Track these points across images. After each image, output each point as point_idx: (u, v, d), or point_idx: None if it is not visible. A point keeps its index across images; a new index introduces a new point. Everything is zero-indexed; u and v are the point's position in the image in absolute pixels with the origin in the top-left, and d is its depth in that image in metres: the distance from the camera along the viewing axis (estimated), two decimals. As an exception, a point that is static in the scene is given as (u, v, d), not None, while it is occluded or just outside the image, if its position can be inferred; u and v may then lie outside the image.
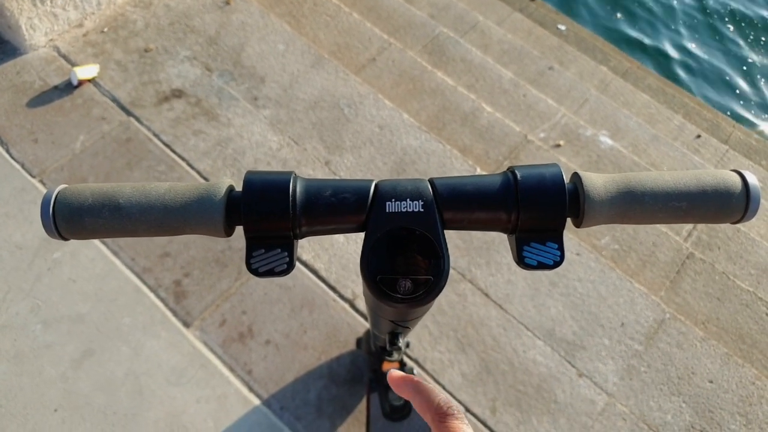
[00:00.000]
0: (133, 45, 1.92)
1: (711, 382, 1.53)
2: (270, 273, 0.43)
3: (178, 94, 1.83)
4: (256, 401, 1.36)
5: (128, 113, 1.76)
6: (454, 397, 1.42)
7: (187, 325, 1.44)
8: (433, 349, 1.48)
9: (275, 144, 1.76)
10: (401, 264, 0.42)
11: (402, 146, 1.83)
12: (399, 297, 0.41)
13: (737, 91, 3.90)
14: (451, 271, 1.58)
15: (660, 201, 0.43)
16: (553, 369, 1.49)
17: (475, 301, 1.55)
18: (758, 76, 4.00)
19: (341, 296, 1.52)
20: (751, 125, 3.66)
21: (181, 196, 0.43)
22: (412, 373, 1.29)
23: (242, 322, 1.46)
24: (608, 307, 1.61)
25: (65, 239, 0.43)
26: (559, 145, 2.19)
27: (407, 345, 1.36)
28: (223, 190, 0.44)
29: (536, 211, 0.43)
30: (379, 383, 1.27)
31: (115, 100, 1.78)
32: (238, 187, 0.45)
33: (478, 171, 1.82)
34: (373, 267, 0.42)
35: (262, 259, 0.43)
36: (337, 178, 0.46)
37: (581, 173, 0.44)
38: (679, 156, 2.46)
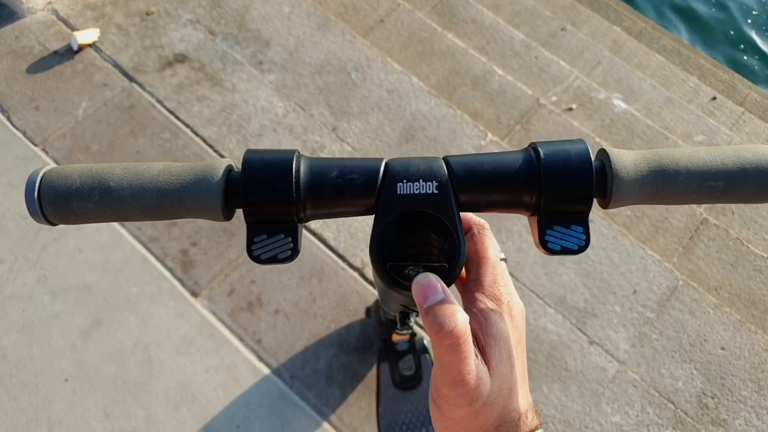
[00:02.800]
0: (134, 8, 1.86)
1: (723, 349, 1.52)
2: (273, 260, 0.40)
3: (181, 58, 1.78)
4: (266, 370, 1.36)
5: (131, 79, 1.72)
6: (464, 365, 1.41)
7: (195, 294, 1.43)
8: (443, 318, 1.46)
9: (281, 110, 1.72)
10: (413, 250, 0.38)
11: (411, 111, 1.78)
12: (411, 285, 0.39)
13: (754, 51, 3.80)
14: (462, 239, 1.56)
15: (695, 180, 0.39)
16: (564, 337, 1.48)
17: (485, 269, 1.53)
18: (776, 36, 3.88)
19: (350, 265, 1.50)
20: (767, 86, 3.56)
21: (175, 178, 0.39)
22: (423, 342, 1.28)
23: (251, 292, 1.44)
24: (620, 274, 1.59)
25: (53, 224, 0.40)
26: (571, 109, 2.13)
27: (417, 313, 1.35)
28: (221, 170, 0.40)
29: (561, 192, 0.39)
30: (389, 353, 1.26)
31: (116, 65, 1.74)
32: (238, 167, 0.41)
33: (489, 137, 1.78)
34: (383, 253, 0.38)
35: (265, 245, 0.40)
36: (344, 156, 0.43)
37: (609, 150, 0.40)
38: (694, 119, 2.40)
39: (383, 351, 1.27)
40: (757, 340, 1.54)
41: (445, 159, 0.41)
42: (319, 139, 1.68)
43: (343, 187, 0.40)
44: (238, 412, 1.33)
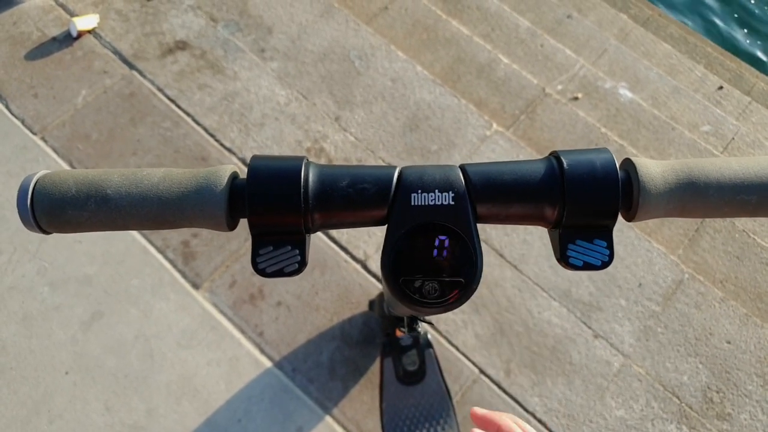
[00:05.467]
0: (134, -7, 1.83)
1: (729, 342, 1.51)
2: (279, 273, 0.38)
3: (182, 45, 1.75)
4: (268, 363, 1.35)
5: (131, 66, 1.69)
6: (467, 358, 1.40)
7: (196, 286, 1.41)
8: (447, 311, 1.45)
9: (283, 98, 1.69)
10: (428, 264, 0.37)
11: (415, 100, 1.75)
12: (424, 301, 0.37)
13: (761, 40, 3.75)
14: (466, 231, 1.54)
15: (726, 194, 0.37)
16: (568, 330, 1.46)
17: (489, 262, 1.52)
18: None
19: (353, 257, 1.48)
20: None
21: (177, 185, 0.37)
22: (427, 337, 1.27)
23: (253, 284, 1.43)
24: (626, 267, 1.57)
25: (46, 233, 0.38)
26: (577, 98, 2.10)
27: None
28: (225, 178, 0.38)
29: (585, 205, 0.37)
30: (392, 347, 1.25)
31: (116, 52, 1.71)
32: (243, 173, 0.39)
33: (494, 126, 1.75)
34: (396, 267, 0.37)
35: (270, 258, 0.38)
36: (352, 161, 0.40)
37: (635, 160, 0.38)
38: (701, 109, 2.37)
39: (386, 345, 1.26)
40: (764, 333, 1.53)
41: (462, 167, 0.39)
42: (322, 129, 1.66)
43: (354, 197, 0.38)
44: (240, 405, 1.32)
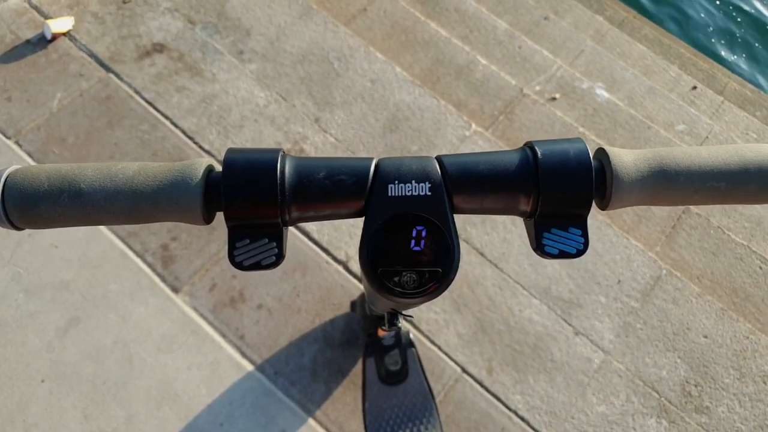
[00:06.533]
0: (109, -5, 1.81)
1: (706, 337, 1.53)
2: (256, 266, 0.38)
3: (159, 48, 1.73)
4: (250, 367, 1.34)
5: (107, 69, 1.67)
6: (449, 358, 1.40)
7: (176, 290, 1.40)
8: (429, 310, 1.45)
9: (262, 100, 1.69)
10: (405, 254, 0.37)
11: (395, 101, 1.76)
12: (403, 291, 0.37)
13: (732, 40, 3.83)
14: (447, 230, 1.55)
15: (697, 181, 0.38)
16: (549, 328, 1.48)
17: (470, 261, 1.52)
18: (753, 24, 3.91)
19: (334, 258, 1.48)
20: (746, 75, 3.60)
21: (152, 179, 0.37)
22: (409, 337, 1.27)
23: (233, 287, 1.42)
24: (604, 264, 1.59)
25: (19, 229, 0.37)
26: (554, 99, 2.13)
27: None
28: (200, 171, 0.38)
29: (559, 194, 0.38)
30: (375, 347, 1.25)
31: (92, 55, 1.68)
32: (219, 167, 0.39)
33: (474, 127, 1.77)
34: (373, 258, 0.37)
35: (247, 251, 0.38)
36: (329, 153, 0.40)
37: (608, 149, 0.39)
38: (675, 108, 2.41)
39: (369, 346, 1.26)
40: (739, 327, 1.55)
41: (439, 158, 0.39)
42: (302, 130, 1.66)
43: (331, 188, 0.38)
44: (221, 410, 1.31)
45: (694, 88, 2.76)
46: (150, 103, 1.63)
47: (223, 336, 1.37)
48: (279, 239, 0.38)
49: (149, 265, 1.42)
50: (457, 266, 0.38)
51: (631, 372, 1.45)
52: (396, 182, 0.38)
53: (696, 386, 1.46)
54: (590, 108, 2.14)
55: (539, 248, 0.39)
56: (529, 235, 0.41)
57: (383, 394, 1.23)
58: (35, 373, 1.28)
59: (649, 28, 3.30)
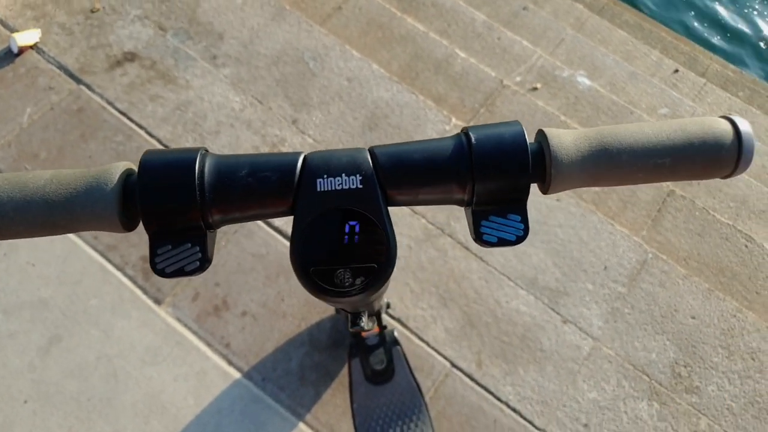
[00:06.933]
0: (77, 5, 1.78)
1: (693, 318, 1.53)
2: (180, 272, 0.36)
3: (130, 57, 1.71)
4: (237, 374, 1.33)
5: (78, 81, 1.65)
6: (438, 353, 1.39)
7: (158, 302, 1.38)
8: (415, 307, 1.44)
9: (238, 104, 1.67)
10: (339, 252, 0.35)
11: (373, 99, 1.74)
12: (338, 291, 0.35)
13: (713, 22, 3.83)
14: (430, 226, 1.54)
15: (639, 159, 0.37)
16: (537, 317, 1.47)
17: (455, 255, 1.51)
18: (733, 4, 3.92)
19: (317, 260, 1.47)
20: (728, 56, 3.60)
21: (65, 187, 0.35)
22: (393, 335, 1.26)
23: (216, 295, 1.40)
24: (590, 251, 1.58)
25: None
26: (536, 89, 2.12)
27: (388, 306, 1.33)
28: (116, 176, 0.36)
29: (495, 180, 0.36)
30: (359, 348, 1.24)
31: (62, 67, 1.66)
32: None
33: (454, 121, 1.75)
34: (304, 257, 0.35)
35: (170, 257, 0.36)
36: (258, 153, 0.38)
37: (547, 130, 0.37)
38: (658, 92, 2.40)
39: (353, 346, 1.24)
40: (726, 306, 1.55)
41: (371, 150, 0.37)
42: (279, 133, 1.64)
43: (255, 187, 0.36)
44: (210, 419, 1.29)
45: (676, 71, 2.75)
46: (123, 114, 1.61)
47: (209, 345, 1.36)
48: (203, 243, 0.36)
49: (130, 278, 1.40)
50: (394, 260, 0.36)
51: (621, 357, 1.45)
52: (325, 176, 0.36)
53: (685, 367, 1.46)
54: (572, 96, 2.14)
55: (478, 237, 0.37)
56: (468, 224, 0.39)
57: (371, 393, 1.22)
58: (18, 395, 1.26)
59: (630, 13, 3.29)
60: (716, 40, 3.74)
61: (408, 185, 0.37)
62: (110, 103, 1.62)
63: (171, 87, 1.67)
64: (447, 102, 1.88)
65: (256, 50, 1.78)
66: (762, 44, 3.80)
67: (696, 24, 3.80)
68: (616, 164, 0.37)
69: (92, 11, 1.77)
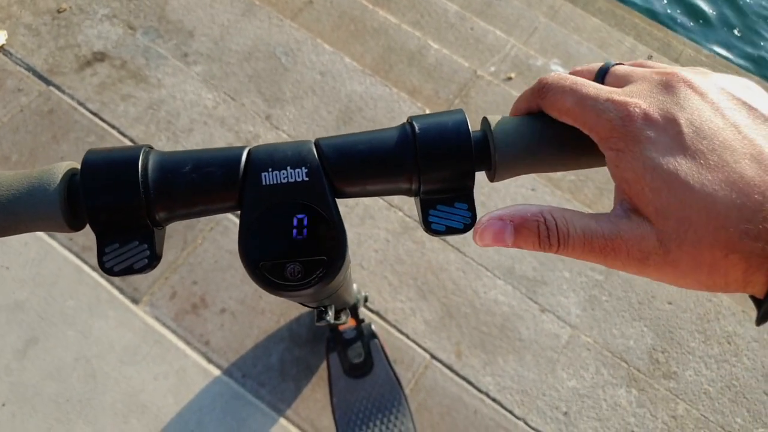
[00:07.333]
0: (44, 6, 1.75)
1: (670, 303, 1.55)
2: (129, 270, 0.35)
3: (100, 57, 1.69)
4: (217, 372, 1.33)
5: (47, 82, 1.63)
6: (418, 345, 1.40)
7: (135, 301, 1.38)
8: (394, 300, 1.45)
9: (210, 102, 1.66)
10: (288, 246, 0.35)
11: (346, 93, 1.74)
12: (288, 285, 0.35)
13: (686, 7, 3.86)
14: (407, 219, 1.54)
15: None
16: (515, 307, 1.48)
17: (433, 247, 1.52)
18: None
19: (295, 256, 1.47)
20: (701, 41, 3.64)
21: (6, 188, 0.34)
22: (371, 328, 1.26)
23: (194, 293, 1.40)
24: (567, 239, 1.59)
25: None
26: (510, 78, 2.12)
27: (366, 299, 1.33)
28: (59, 176, 0.35)
29: (439, 169, 0.36)
30: (336, 342, 1.24)
31: (30, 68, 1.64)
32: None
33: (428, 113, 1.76)
34: (252, 252, 0.35)
35: (117, 256, 0.35)
36: (203, 148, 0.38)
37: (491, 117, 0.37)
38: (632, 79, 2.42)
39: (330, 341, 1.25)
40: (701, 291, 1.57)
41: (317, 142, 0.37)
42: (253, 129, 1.63)
43: (199, 182, 0.36)
44: (191, 417, 1.29)
45: (650, 57, 2.78)
46: (95, 114, 1.59)
47: (188, 343, 1.35)
48: (150, 241, 0.36)
49: (106, 278, 1.39)
50: (344, 252, 0.36)
51: (599, 344, 1.47)
52: (270, 170, 0.36)
53: (663, 353, 1.48)
54: (546, 85, 2.15)
55: (426, 226, 0.37)
56: (417, 214, 0.39)
57: (350, 387, 1.22)
58: (-7, 399, 1.25)
59: (603, 0, 3.31)
60: (689, 25, 3.78)
61: (354, 176, 0.37)
62: (81, 104, 1.60)
63: (142, 86, 1.66)
64: (421, 94, 1.89)
65: (227, 47, 1.77)
66: (734, 28, 3.85)
67: (669, 10, 3.83)
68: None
69: (59, 11, 1.74)
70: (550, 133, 0.36)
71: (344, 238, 0.36)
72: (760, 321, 0.30)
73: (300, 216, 0.35)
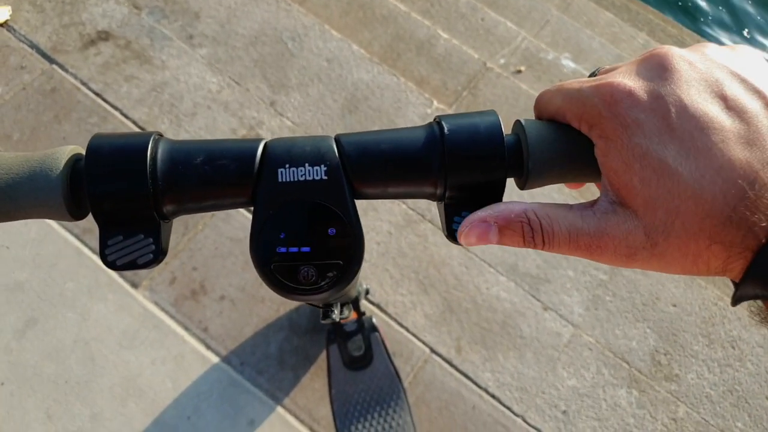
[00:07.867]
0: (50, -18, 1.73)
1: (675, 306, 1.53)
2: (132, 265, 0.34)
3: (104, 36, 1.67)
4: (215, 359, 1.32)
5: (51, 60, 1.60)
6: (418, 339, 1.39)
7: (135, 285, 1.37)
8: (395, 293, 1.44)
9: (215, 86, 1.64)
10: (301, 248, 0.33)
11: (353, 81, 1.72)
12: (300, 288, 0.33)
13: (701, 3, 3.81)
14: (411, 211, 1.52)
15: None
16: (517, 304, 1.47)
17: (435, 241, 1.50)
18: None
19: (297, 245, 1.45)
20: (715, 39, 3.59)
21: (6, 172, 0.32)
22: (372, 321, 1.25)
23: (194, 279, 1.39)
24: (572, 237, 1.58)
25: None
26: (520, 71, 2.09)
27: (367, 292, 1.32)
28: (62, 161, 0.33)
29: (467, 174, 0.34)
30: (337, 334, 1.23)
31: (33, 46, 1.62)
32: None
33: (435, 104, 1.73)
34: (264, 253, 0.33)
35: (121, 249, 0.33)
36: (217, 138, 0.36)
37: (525, 121, 0.35)
38: (643, 76, 2.39)
39: (331, 332, 1.24)
40: (707, 294, 1.56)
41: (337, 138, 0.35)
42: (257, 115, 1.61)
43: (211, 175, 0.33)
44: (188, 402, 1.29)
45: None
46: (98, 95, 1.57)
47: (186, 329, 1.34)
48: (156, 234, 0.34)
49: (105, 262, 1.38)
50: (361, 257, 0.34)
51: (601, 344, 1.45)
52: (287, 166, 0.33)
53: (665, 355, 1.47)
54: (556, 79, 2.12)
55: (449, 234, 0.35)
56: (440, 219, 0.37)
57: (349, 379, 1.21)
58: (-9, 378, 1.25)
59: (616, -6, 3.27)
60: (703, 22, 3.73)
61: (376, 178, 0.35)
62: (84, 84, 1.58)
63: (146, 67, 1.63)
64: (429, 84, 1.86)
65: (233, 30, 1.74)
66: (751, 26, 3.80)
67: (683, 6, 3.78)
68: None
69: (65, -13, 1.71)
70: (584, 139, 0.34)
71: (362, 242, 0.34)
72: (735, 302, 0.31)
73: (316, 217, 0.33)
